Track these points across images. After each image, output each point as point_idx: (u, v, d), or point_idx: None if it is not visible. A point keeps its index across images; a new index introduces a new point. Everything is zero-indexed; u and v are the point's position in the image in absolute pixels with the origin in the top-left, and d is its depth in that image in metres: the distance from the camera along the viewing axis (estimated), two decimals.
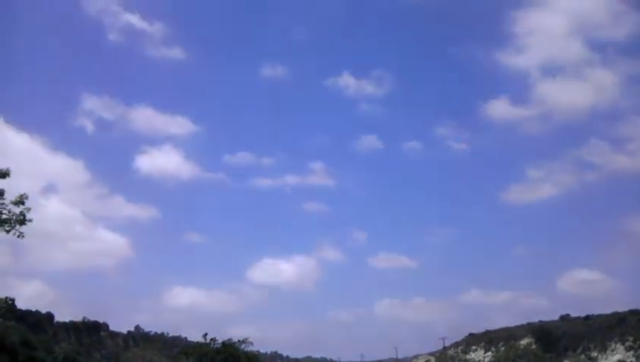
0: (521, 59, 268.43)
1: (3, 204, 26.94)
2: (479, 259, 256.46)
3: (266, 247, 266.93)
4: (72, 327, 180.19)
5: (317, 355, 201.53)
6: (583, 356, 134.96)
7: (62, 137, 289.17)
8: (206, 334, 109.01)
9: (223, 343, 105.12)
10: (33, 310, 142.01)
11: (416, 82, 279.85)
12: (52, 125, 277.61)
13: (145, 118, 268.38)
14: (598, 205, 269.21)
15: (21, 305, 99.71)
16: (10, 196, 27.23)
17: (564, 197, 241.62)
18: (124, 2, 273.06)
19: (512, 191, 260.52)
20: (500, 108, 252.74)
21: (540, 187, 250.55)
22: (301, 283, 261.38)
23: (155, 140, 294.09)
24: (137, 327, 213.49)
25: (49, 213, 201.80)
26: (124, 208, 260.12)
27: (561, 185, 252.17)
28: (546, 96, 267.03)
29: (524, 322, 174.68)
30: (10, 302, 28.40)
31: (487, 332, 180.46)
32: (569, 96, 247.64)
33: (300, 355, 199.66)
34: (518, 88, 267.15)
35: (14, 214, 27.12)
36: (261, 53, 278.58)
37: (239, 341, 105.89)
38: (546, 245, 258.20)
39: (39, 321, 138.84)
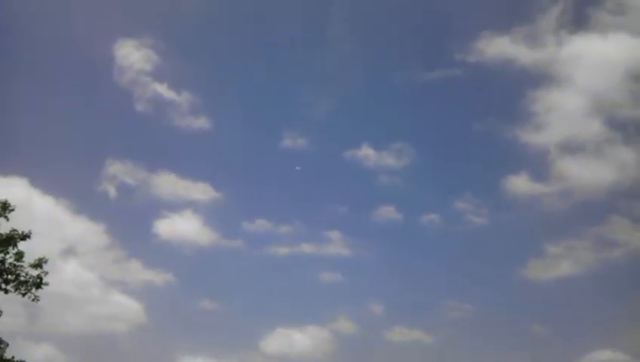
0: (541, 137, 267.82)
1: (21, 266, 27.15)
2: (497, 336, 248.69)
3: (281, 316, 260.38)
4: None
5: None
6: None
7: (85, 201, 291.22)
8: None
9: None
10: None
11: (436, 156, 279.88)
12: (76, 189, 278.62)
13: (167, 183, 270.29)
14: (620, 283, 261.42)
15: None
16: (29, 258, 27.47)
17: (584, 274, 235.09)
18: (153, 72, 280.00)
19: (531, 268, 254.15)
20: (519, 184, 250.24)
21: (559, 264, 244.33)
22: (314, 355, 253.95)
23: (175, 206, 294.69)
24: None
25: (66, 275, 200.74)
26: (141, 273, 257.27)
27: (582, 262, 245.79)
28: (566, 173, 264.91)
29: None
30: None
31: None
32: (589, 173, 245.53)
33: None
34: (537, 165, 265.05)
35: (31, 277, 27.27)
36: (282, 125, 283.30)
37: None
38: (565, 324, 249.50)
39: None
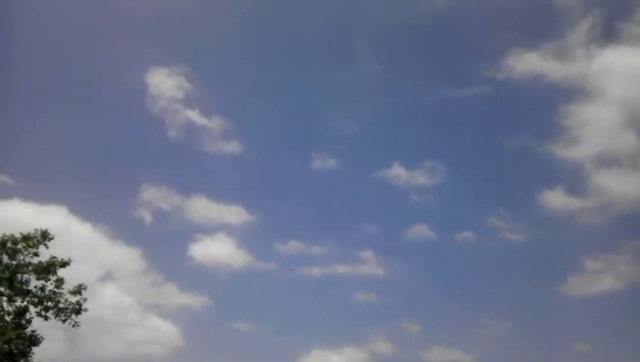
0: (575, 151, 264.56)
1: (61, 293, 27.74)
2: (537, 354, 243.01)
3: (316, 338, 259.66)
4: None
5: None
6: None
7: (121, 226, 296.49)
8: None
9: None
10: None
11: (468, 173, 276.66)
12: (113, 215, 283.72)
13: (200, 207, 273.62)
14: None
15: None
16: (69, 284, 28.08)
17: (625, 289, 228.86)
18: (185, 99, 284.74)
19: (570, 284, 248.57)
20: (555, 199, 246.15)
21: (599, 279, 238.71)
22: None
23: (209, 229, 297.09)
24: None
25: (105, 300, 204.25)
26: (177, 296, 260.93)
27: (623, 277, 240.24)
28: (603, 186, 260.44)
29: None
30: None
31: None
32: (626, 186, 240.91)
33: None
34: (573, 179, 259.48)
35: (71, 304, 27.83)
36: (312, 146, 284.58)
37: None
38: (607, 340, 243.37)
39: None
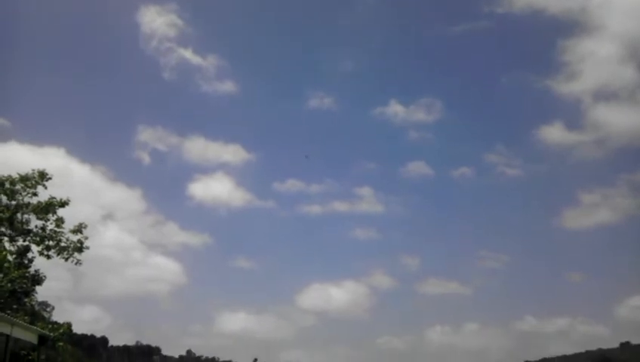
0: (574, 86, 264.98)
1: (62, 232, 27.88)
2: (534, 285, 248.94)
3: (316, 273, 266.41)
4: (125, 351, 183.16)
5: None
6: None
7: (120, 168, 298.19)
8: (256, 359, 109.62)
9: None
10: (89, 334, 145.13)
11: (465, 109, 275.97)
12: (111, 156, 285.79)
13: (198, 147, 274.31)
14: None
15: (77, 329, 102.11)
16: (70, 225, 28.23)
17: (621, 221, 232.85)
18: (177, 38, 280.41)
19: (567, 217, 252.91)
20: (553, 134, 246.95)
21: (595, 212, 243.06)
22: (351, 309, 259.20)
23: (207, 168, 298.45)
24: (189, 352, 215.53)
25: (107, 240, 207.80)
26: (178, 235, 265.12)
27: (618, 209, 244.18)
28: (601, 120, 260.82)
29: (583, 350, 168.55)
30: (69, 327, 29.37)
31: (543, 360, 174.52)
32: (624, 120, 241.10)
33: None
34: (571, 114, 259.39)
35: (72, 242, 28.04)
36: (308, 85, 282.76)
37: None
38: (603, 270, 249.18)
39: (94, 345, 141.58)
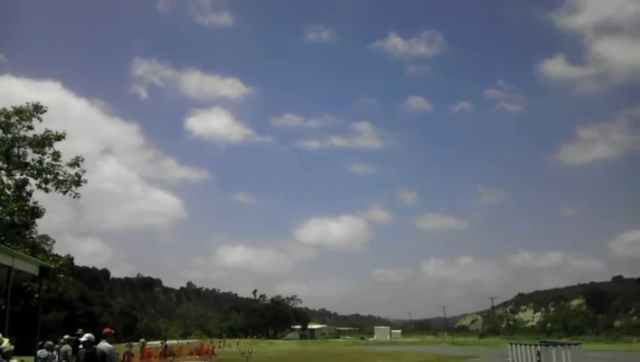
0: (576, 19, 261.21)
1: (59, 165, 27.81)
2: (529, 220, 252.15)
3: (314, 208, 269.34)
4: (127, 283, 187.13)
5: (364, 313, 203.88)
6: (635, 317, 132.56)
7: (117, 102, 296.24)
8: (255, 291, 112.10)
9: (272, 300, 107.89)
10: (90, 267, 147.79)
11: (466, 43, 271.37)
12: (107, 90, 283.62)
13: (195, 81, 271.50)
14: None
15: (79, 262, 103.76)
16: (68, 159, 28.14)
17: (618, 157, 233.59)
18: None
19: (565, 152, 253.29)
20: (555, 68, 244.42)
21: (594, 147, 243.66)
22: (349, 243, 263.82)
23: (205, 103, 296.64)
24: (189, 284, 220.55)
25: (106, 174, 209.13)
26: (177, 170, 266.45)
27: (616, 145, 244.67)
28: (603, 55, 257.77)
29: (575, 283, 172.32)
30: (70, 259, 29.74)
31: (537, 293, 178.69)
32: (626, 54, 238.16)
33: (347, 313, 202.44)
34: (573, 48, 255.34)
35: (70, 175, 28.02)
36: (306, 18, 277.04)
37: (288, 298, 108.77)
38: (598, 206, 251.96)
39: (96, 278, 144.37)
